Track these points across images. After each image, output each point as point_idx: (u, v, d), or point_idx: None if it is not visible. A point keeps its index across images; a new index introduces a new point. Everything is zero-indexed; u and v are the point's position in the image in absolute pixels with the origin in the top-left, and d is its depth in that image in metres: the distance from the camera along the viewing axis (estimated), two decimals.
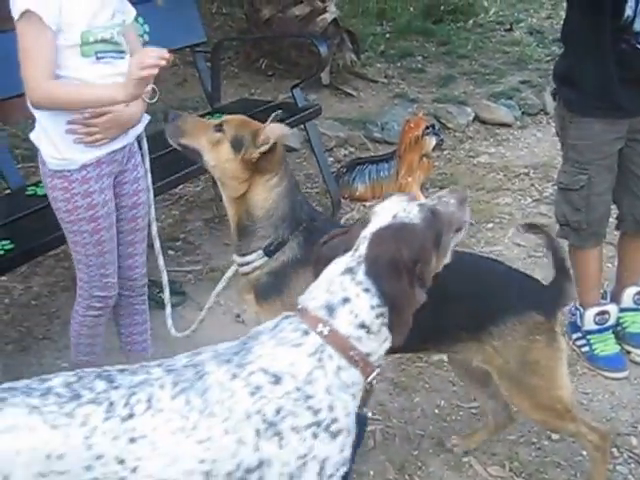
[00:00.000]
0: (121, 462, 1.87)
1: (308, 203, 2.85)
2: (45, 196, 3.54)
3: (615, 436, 3.22)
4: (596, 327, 3.72)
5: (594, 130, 3.46)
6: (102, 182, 2.97)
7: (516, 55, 8.75)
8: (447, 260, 2.14)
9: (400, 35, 9.25)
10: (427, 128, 5.39)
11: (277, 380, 1.91)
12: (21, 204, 3.88)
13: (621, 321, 3.84)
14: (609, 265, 4.17)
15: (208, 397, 1.91)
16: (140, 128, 3.10)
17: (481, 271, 2.81)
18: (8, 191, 4.38)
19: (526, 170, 5.94)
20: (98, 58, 2.85)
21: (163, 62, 2.67)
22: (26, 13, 2.67)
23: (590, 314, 3.71)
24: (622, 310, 3.84)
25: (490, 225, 5.09)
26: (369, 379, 2.01)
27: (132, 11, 3.07)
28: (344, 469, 1.97)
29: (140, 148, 3.19)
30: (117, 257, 3.16)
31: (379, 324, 1.96)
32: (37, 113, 2.89)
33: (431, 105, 7.18)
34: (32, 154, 5.63)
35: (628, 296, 3.82)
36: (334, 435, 1.93)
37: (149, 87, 2.94)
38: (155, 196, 4.14)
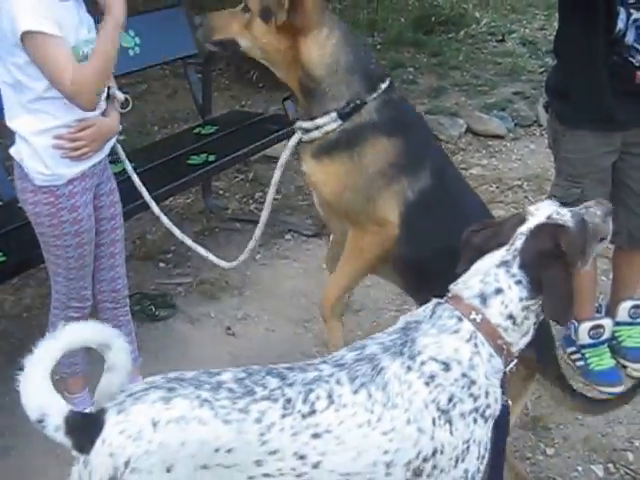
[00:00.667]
0: (301, 458, 1.96)
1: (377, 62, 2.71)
2: None
3: (611, 452, 3.24)
4: (591, 341, 3.72)
5: (587, 143, 3.47)
6: (86, 196, 3.02)
7: (508, 66, 8.76)
8: (587, 267, 2.28)
9: (391, 46, 9.27)
10: None
11: (447, 367, 2.03)
12: (13, 216, 3.86)
13: (617, 335, 3.85)
14: (603, 278, 4.19)
15: (389, 390, 2.01)
16: (113, 140, 3.15)
17: None
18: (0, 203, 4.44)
19: (519, 182, 5.95)
20: None
21: None
22: (28, 34, 2.66)
23: (584, 328, 3.72)
24: (617, 324, 3.85)
25: None
26: (507, 368, 2.13)
27: (92, 23, 3.04)
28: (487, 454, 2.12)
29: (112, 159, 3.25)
30: (100, 270, 3.23)
31: (523, 317, 2.09)
32: (22, 132, 2.89)
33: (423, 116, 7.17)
34: None
35: (623, 310, 3.83)
36: (486, 420, 2.07)
37: (121, 96, 3.05)
38: (146, 209, 4.17)
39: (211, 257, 3.39)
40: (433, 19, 9.99)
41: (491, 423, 2.10)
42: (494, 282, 2.09)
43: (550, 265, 2.06)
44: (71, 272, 3.09)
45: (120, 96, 3.08)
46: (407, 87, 8.11)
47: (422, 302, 2.34)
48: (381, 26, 9.83)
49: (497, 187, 5.90)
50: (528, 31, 10.30)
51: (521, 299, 2.08)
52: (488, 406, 2.07)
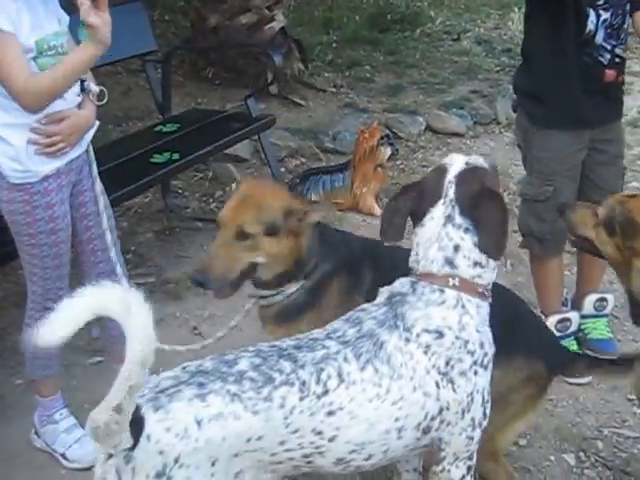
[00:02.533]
0: (319, 433, 2.13)
1: (333, 230, 3.07)
2: None
3: (581, 440, 3.37)
4: (558, 334, 3.85)
5: (559, 142, 3.60)
6: (62, 193, 3.00)
7: (465, 65, 8.94)
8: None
9: (347, 44, 9.37)
10: (382, 138, 5.52)
11: (440, 335, 2.21)
12: None
13: (582, 327, 3.98)
14: (567, 273, 4.32)
15: (393, 362, 2.18)
16: (91, 134, 3.13)
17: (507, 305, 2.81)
18: None
19: None
20: None
21: None
22: None
23: (552, 322, 3.83)
24: (583, 317, 3.98)
25: None
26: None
27: (66, 17, 3.05)
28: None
29: (87, 156, 3.19)
30: (97, 264, 3.23)
31: (485, 257, 2.27)
32: None
33: (382, 115, 7.31)
34: None
35: (589, 303, 3.96)
36: (486, 367, 2.28)
37: (96, 88, 3.03)
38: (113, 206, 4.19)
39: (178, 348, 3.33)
40: (389, 17, 10.14)
41: (491, 365, 2.30)
42: (449, 242, 2.26)
43: (484, 204, 2.24)
44: (47, 272, 3.06)
45: (95, 89, 3.05)
46: (364, 85, 8.23)
47: None
48: (336, 24, 9.93)
49: None
50: (483, 30, 10.51)
51: (475, 244, 2.25)
52: (485, 354, 2.27)
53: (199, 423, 1.98)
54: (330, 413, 2.13)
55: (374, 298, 2.50)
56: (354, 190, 5.50)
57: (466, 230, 2.25)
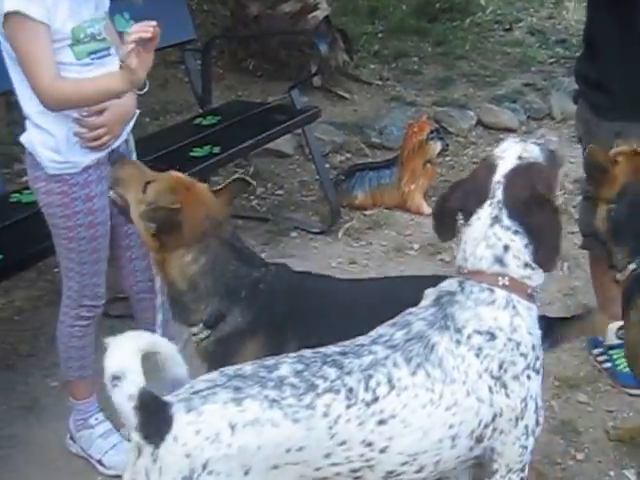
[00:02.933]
0: (369, 445, 2.07)
1: (250, 264, 2.64)
2: (30, 204, 3.60)
3: None
4: (619, 342, 3.75)
5: (624, 134, 3.50)
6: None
7: (517, 56, 8.82)
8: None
9: (393, 34, 9.27)
10: (431, 132, 5.44)
11: (492, 337, 2.16)
12: (5, 212, 3.86)
13: (613, 357, 3.85)
14: None
15: (444, 366, 2.12)
16: (131, 124, 3.12)
17: None
18: None
19: None
20: (92, 59, 2.87)
21: (147, 34, 2.63)
22: (14, 15, 2.67)
23: (612, 328, 3.75)
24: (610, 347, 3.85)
25: None
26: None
27: (106, 2, 3.05)
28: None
29: (127, 147, 3.20)
30: (132, 260, 3.22)
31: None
32: (33, 117, 2.88)
33: (430, 108, 7.22)
34: (7, 160, 5.67)
35: (611, 332, 3.81)
36: (538, 371, 2.23)
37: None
38: None
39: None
40: (437, 6, 9.99)
41: (542, 371, 2.26)
42: (498, 242, 2.21)
43: (534, 212, 2.19)
44: (84, 267, 3.05)
45: None
46: (412, 77, 8.14)
47: None
48: (382, 13, 9.82)
49: None
50: (536, 20, 10.35)
51: (526, 245, 2.20)
52: (537, 358, 2.22)
53: (233, 428, 1.93)
54: (381, 422, 2.06)
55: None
56: (402, 187, 5.44)
57: (515, 232, 2.21)
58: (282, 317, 2.61)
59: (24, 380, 3.83)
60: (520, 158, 2.25)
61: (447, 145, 5.56)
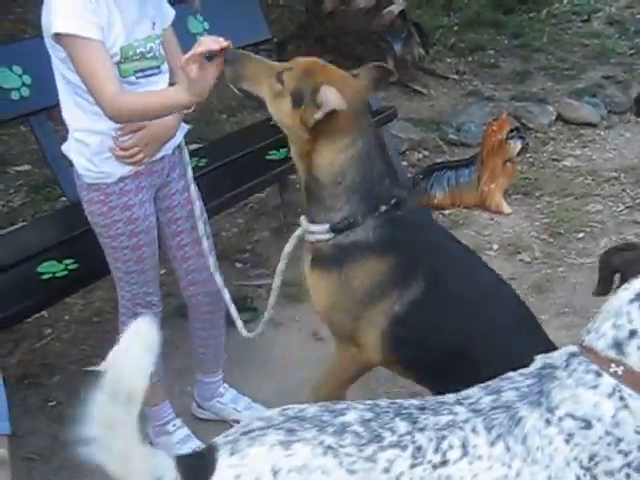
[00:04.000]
0: None
1: (396, 179, 2.62)
2: None
3: None
4: None
5: None
6: (142, 195, 2.93)
7: (596, 48, 8.57)
8: None
9: (469, 27, 9.10)
10: (511, 131, 5.26)
11: (587, 425, 1.88)
12: (81, 219, 3.81)
13: None
14: None
15: (529, 444, 1.88)
16: (178, 140, 3.05)
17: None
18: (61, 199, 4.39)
19: (616, 174, 5.77)
20: (137, 78, 2.82)
21: (216, 45, 2.53)
22: (73, 38, 2.63)
23: None
24: None
25: (581, 235, 4.96)
26: None
27: (170, 13, 3.00)
28: None
29: (182, 159, 3.14)
30: (190, 272, 3.19)
31: None
32: (74, 128, 2.87)
33: (509, 103, 7.04)
34: None
35: None
36: None
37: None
38: (225, 208, 4.08)
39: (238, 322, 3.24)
40: None
41: None
42: (627, 324, 1.92)
43: None
44: (131, 276, 3.03)
45: None
46: (489, 71, 7.98)
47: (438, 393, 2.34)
48: (457, 5, 9.66)
49: (592, 180, 5.73)
50: (614, 10, 10.04)
51: None
52: None
53: (275, 473, 1.77)
54: None
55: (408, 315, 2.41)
56: (481, 186, 5.27)
57: None
58: (416, 255, 2.55)
59: None
60: None
61: (528, 144, 5.36)
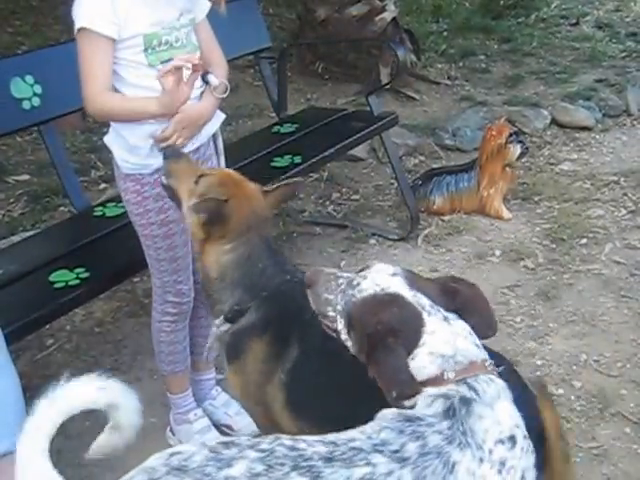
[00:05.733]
0: None
1: (278, 266, 2.65)
2: (115, 217, 3.73)
3: None
4: None
5: None
6: None
7: (587, 52, 8.62)
8: None
9: (459, 33, 9.15)
10: (510, 135, 5.28)
11: (513, 442, 1.78)
12: (90, 227, 3.84)
13: None
14: None
15: None
16: (214, 128, 3.16)
17: None
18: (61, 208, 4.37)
19: (615, 178, 5.78)
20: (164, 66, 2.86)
21: (187, 64, 2.71)
22: (82, 30, 2.77)
23: None
24: None
25: (584, 241, 4.95)
26: None
27: (205, 5, 3.07)
28: None
29: (216, 148, 3.27)
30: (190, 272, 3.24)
31: None
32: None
33: (502, 108, 7.06)
34: (84, 168, 5.68)
35: None
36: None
37: (216, 81, 3.04)
38: None
39: None
40: (501, 3, 9.86)
41: None
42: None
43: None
44: (162, 264, 3.13)
45: (215, 81, 3.05)
46: (480, 76, 8.01)
47: None
48: (446, 12, 9.72)
49: (592, 184, 5.74)
50: (602, 13, 10.16)
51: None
52: (526, 438, 1.85)
53: None
54: None
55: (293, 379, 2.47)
56: (481, 192, 5.28)
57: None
58: (290, 323, 2.59)
59: None
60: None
61: (527, 148, 5.38)
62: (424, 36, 8.67)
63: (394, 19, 7.51)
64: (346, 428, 1.86)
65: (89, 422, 3.39)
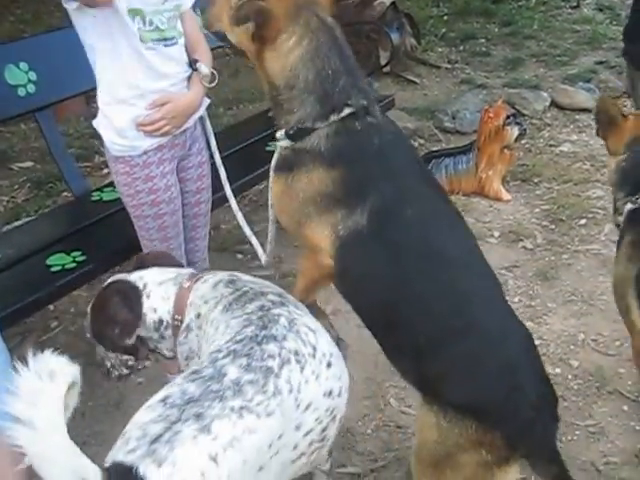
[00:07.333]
0: (329, 394, 2.15)
1: (356, 82, 2.44)
2: (112, 202, 3.75)
3: None
4: None
5: None
6: (163, 166, 3.08)
7: (587, 34, 8.59)
8: None
9: (459, 17, 9.14)
10: (508, 117, 5.25)
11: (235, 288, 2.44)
12: (87, 211, 3.87)
13: None
14: None
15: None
16: (200, 111, 3.20)
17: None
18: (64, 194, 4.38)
19: None
20: (154, 44, 2.92)
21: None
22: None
23: None
24: None
25: (583, 221, 4.94)
26: None
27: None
28: None
29: (204, 129, 3.31)
30: (186, 242, 3.31)
31: None
32: (100, 102, 3.01)
33: (502, 90, 7.04)
34: (88, 153, 5.68)
35: None
36: None
37: (206, 70, 3.09)
38: (227, 201, 4.07)
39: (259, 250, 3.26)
40: None
41: None
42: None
43: None
44: (154, 243, 3.16)
45: (205, 70, 3.10)
46: (481, 59, 7.98)
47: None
48: None
49: (591, 165, 5.71)
50: None
51: None
52: None
53: (215, 460, 1.78)
54: (329, 365, 2.15)
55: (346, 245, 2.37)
56: (479, 173, 5.26)
57: None
58: (366, 181, 2.39)
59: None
60: None
61: (525, 130, 5.35)
62: (424, 20, 8.65)
63: (393, 3, 7.46)
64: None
65: (92, 402, 3.51)
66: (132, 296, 2.45)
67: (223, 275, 2.50)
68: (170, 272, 2.53)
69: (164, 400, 1.88)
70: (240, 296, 2.33)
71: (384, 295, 2.39)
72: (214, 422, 1.82)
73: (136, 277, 2.50)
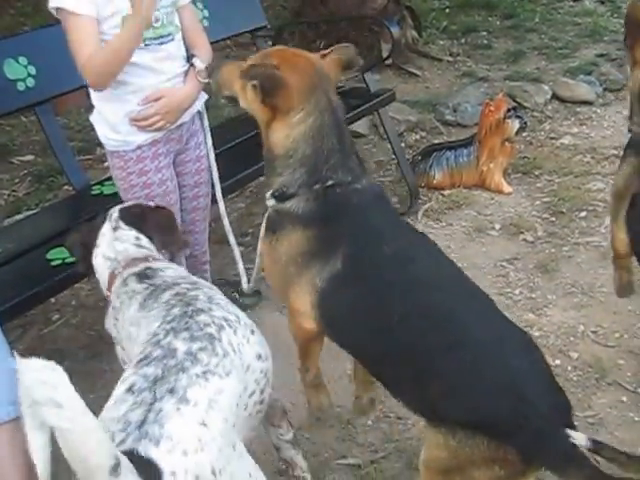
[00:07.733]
0: (259, 357, 2.36)
1: (346, 161, 2.51)
2: (112, 195, 3.69)
3: None
4: None
5: None
6: (158, 161, 3.11)
7: (589, 27, 8.55)
8: None
9: (461, 9, 9.08)
10: (509, 110, 5.24)
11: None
12: (87, 205, 3.86)
13: None
14: None
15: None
16: (197, 106, 3.23)
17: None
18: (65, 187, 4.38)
19: (615, 152, 5.69)
20: (146, 44, 2.95)
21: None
22: (59, 11, 2.83)
23: None
24: None
25: (583, 213, 4.94)
26: None
27: None
28: None
29: (202, 125, 3.34)
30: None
31: None
32: (94, 98, 3.06)
33: (503, 83, 7.02)
34: (89, 146, 5.68)
35: None
36: None
37: (201, 65, 3.10)
38: (229, 193, 4.09)
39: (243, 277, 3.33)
40: None
41: None
42: None
43: None
44: None
45: (200, 65, 3.11)
46: (482, 52, 7.96)
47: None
48: None
49: (592, 157, 5.71)
50: None
51: None
52: None
53: (204, 424, 1.89)
54: (252, 332, 2.35)
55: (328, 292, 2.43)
56: (480, 166, 5.26)
57: None
58: (338, 236, 2.46)
59: (110, 368, 3.74)
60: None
61: (526, 123, 5.36)
62: (426, 13, 8.61)
63: None
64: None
65: (93, 395, 3.52)
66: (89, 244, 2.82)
67: (135, 269, 2.63)
68: (118, 250, 2.73)
69: (130, 389, 1.95)
70: (153, 291, 2.46)
71: (371, 328, 2.43)
72: (187, 391, 1.93)
73: (105, 230, 2.78)
